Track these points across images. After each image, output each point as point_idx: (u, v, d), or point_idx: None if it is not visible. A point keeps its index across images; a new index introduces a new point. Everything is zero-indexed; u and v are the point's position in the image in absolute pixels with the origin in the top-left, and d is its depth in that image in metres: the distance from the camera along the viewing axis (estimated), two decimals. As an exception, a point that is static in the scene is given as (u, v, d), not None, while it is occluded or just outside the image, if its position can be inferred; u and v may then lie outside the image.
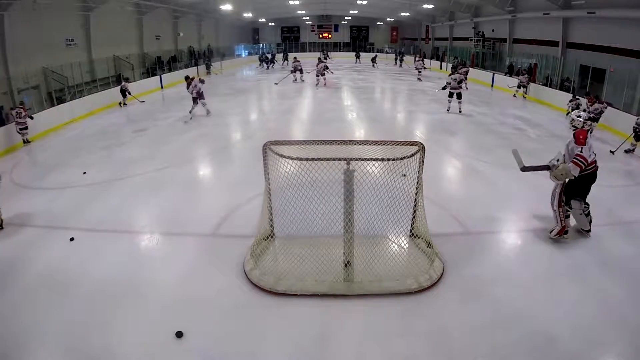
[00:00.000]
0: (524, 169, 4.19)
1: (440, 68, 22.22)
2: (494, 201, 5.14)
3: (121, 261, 3.84)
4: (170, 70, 18.64)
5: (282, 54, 27.42)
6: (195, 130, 9.11)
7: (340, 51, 32.87)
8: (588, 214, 4.24)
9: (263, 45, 33.20)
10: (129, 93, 12.55)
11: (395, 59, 25.90)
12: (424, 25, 28.94)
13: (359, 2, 23.11)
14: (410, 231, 3.90)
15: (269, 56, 25.83)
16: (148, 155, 7.21)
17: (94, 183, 5.88)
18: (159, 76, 16.69)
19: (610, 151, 7.47)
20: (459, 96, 10.38)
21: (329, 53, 29.86)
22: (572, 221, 4.31)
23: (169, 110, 11.62)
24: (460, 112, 10.31)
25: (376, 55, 26.50)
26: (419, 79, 17.96)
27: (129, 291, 3.37)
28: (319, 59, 17.75)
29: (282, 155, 3.28)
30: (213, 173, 6.68)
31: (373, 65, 24.43)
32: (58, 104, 9.88)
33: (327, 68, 15.94)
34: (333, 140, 3.70)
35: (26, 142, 8.26)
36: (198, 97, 10.32)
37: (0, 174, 4.94)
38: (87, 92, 12.20)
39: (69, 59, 12.25)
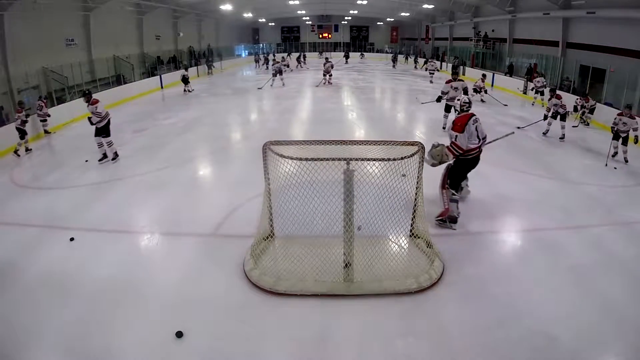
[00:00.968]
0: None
1: (440, 68, 22.21)
2: (494, 201, 5.14)
3: (121, 261, 3.84)
4: (172, 69, 18.64)
5: (282, 55, 26.97)
6: (195, 130, 9.11)
7: (340, 51, 32.89)
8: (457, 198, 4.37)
9: (263, 45, 33.22)
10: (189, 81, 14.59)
11: (394, 60, 25.63)
12: (424, 25, 28.96)
13: (359, 2, 23.13)
14: (410, 231, 3.89)
15: (263, 57, 25.38)
16: (148, 155, 7.21)
17: (94, 183, 5.88)
18: (159, 76, 16.68)
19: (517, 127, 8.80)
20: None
21: (329, 53, 29.80)
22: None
23: (169, 110, 11.63)
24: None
25: (396, 55, 25.82)
26: (430, 81, 16.88)
27: (129, 291, 3.37)
28: (327, 59, 17.60)
29: (282, 155, 3.27)
30: (213, 173, 6.68)
31: (394, 66, 24.18)
32: (58, 104, 9.88)
33: (333, 67, 16.04)
34: (333, 140, 3.70)
35: (47, 132, 9.01)
36: None
37: None
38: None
39: (69, 59, 12.25)
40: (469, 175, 4.74)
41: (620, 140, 6.78)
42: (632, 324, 2.96)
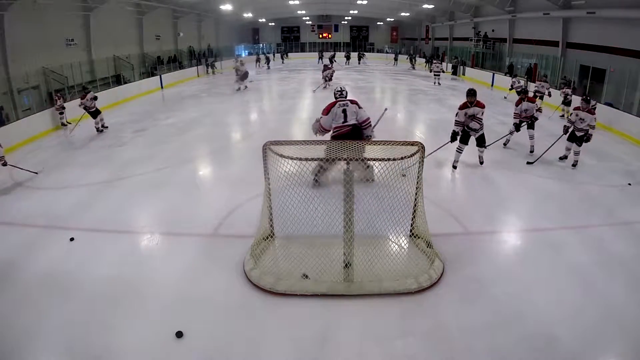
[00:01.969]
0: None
1: (445, 70, 22.17)
2: (494, 201, 5.14)
3: (121, 261, 3.84)
4: (170, 69, 18.64)
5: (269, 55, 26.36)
6: (195, 130, 9.11)
7: (340, 51, 32.87)
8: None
9: (263, 45, 33.23)
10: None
11: (396, 59, 25.60)
12: (424, 25, 28.96)
13: (359, 2, 23.14)
14: (410, 231, 3.89)
15: (264, 57, 25.19)
16: (148, 155, 7.21)
17: (94, 183, 5.88)
18: (159, 76, 16.69)
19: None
20: (481, 142, 6.16)
21: (329, 53, 29.73)
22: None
23: (169, 110, 11.63)
24: (481, 163, 6.37)
25: (414, 56, 25.05)
26: (438, 83, 16.08)
27: (129, 291, 3.37)
28: (326, 65, 15.89)
29: (282, 155, 3.27)
30: (213, 173, 6.68)
31: (413, 67, 23.65)
32: (53, 105, 9.87)
33: (333, 74, 14.72)
34: (333, 141, 3.71)
35: (64, 124, 9.49)
36: None
37: None
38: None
39: (69, 59, 12.26)
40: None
41: (574, 142, 6.19)
42: (633, 324, 2.96)
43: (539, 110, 6.95)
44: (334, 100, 5.19)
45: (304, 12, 29.07)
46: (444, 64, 22.06)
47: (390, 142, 3.54)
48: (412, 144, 3.47)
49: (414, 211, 3.81)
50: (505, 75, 15.99)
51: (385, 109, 6.50)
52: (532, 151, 6.98)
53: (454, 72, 19.90)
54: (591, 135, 6.25)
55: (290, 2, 22.69)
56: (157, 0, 16.95)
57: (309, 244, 3.65)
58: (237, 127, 9.90)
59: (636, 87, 9.46)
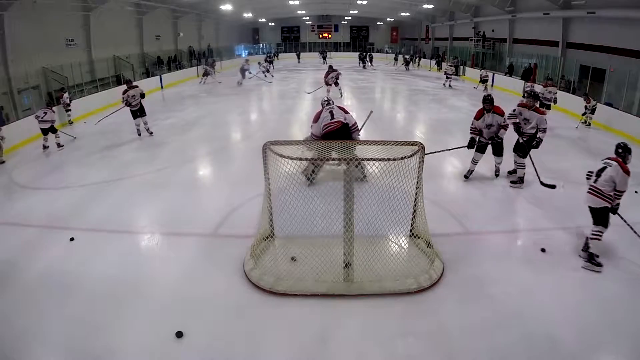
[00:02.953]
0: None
1: (439, 68, 22.16)
2: (494, 201, 5.14)
3: (121, 261, 3.84)
4: (169, 70, 18.64)
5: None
6: (195, 130, 9.11)
7: (340, 51, 32.92)
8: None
9: (263, 45, 33.23)
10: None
11: (396, 59, 25.54)
12: (424, 25, 28.95)
13: (359, 2, 23.11)
14: (410, 231, 3.89)
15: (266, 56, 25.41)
16: (148, 155, 7.21)
17: (94, 183, 5.88)
18: (159, 76, 16.69)
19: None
20: (498, 150, 5.57)
21: (328, 53, 29.73)
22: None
23: (169, 110, 11.62)
24: (496, 175, 5.86)
25: (397, 55, 25.02)
26: (449, 85, 15.13)
27: (129, 291, 3.37)
28: (331, 67, 13.19)
29: (282, 155, 3.27)
30: (213, 173, 6.68)
31: (394, 64, 23.73)
32: (58, 104, 9.89)
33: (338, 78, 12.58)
34: (333, 141, 3.71)
35: (70, 122, 9.87)
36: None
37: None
38: (87, 92, 12.21)
39: (69, 59, 12.26)
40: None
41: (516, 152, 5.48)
42: (633, 325, 2.96)
43: (504, 127, 5.36)
44: (321, 109, 5.49)
45: (304, 12, 29.07)
46: (442, 63, 22.08)
47: (390, 142, 3.54)
48: (412, 144, 3.47)
49: (414, 211, 3.81)
50: (505, 75, 16.00)
51: (371, 112, 6.88)
52: (497, 174, 5.84)
53: (455, 72, 19.88)
54: (541, 140, 5.25)
55: (290, 2, 22.68)
56: (157, 0, 16.94)
57: (309, 244, 3.64)
58: (237, 127, 9.90)
59: (636, 87, 9.46)
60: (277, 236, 3.93)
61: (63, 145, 7.90)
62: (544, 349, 2.74)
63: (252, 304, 3.21)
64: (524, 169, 5.49)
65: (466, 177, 5.81)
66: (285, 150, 3.36)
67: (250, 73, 16.98)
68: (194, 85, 17.14)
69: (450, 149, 6.01)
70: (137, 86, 8.38)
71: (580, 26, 13.25)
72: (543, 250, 3.95)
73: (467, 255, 3.84)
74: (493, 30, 19.26)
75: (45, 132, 7.69)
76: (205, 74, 17.32)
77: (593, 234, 3.72)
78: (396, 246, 3.94)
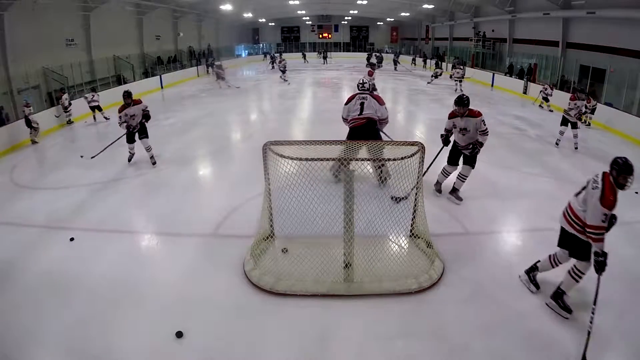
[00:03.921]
0: None
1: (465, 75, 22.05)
2: (494, 201, 5.14)
3: (121, 261, 3.84)
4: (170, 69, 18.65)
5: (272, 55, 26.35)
6: (195, 130, 9.11)
7: (341, 51, 32.96)
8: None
9: (263, 45, 33.25)
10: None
11: (396, 62, 25.47)
12: (424, 25, 28.96)
13: (359, 2, 23.12)
14: (410, 231, 3.89)
15: (269, 56, 25.59)
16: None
17: (94, 183, 5.88)
18: (159, 76, 16.69)
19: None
20: (470, 161, 4.83)
21: (328, 53, 29.71)
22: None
23: (169, 110, 11.62)
24: (454, 190, 5.04)
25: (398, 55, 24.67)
26: (460, 89, 13.85)
27: (129, 291, 3.37)
28: (373, 65, 11.96)
29: (282, 156, 3.27)
30: (213, 173, 6.68)
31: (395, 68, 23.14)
32: (58, 104, 9.89)
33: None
34: (333, 140, 3.71)
35: (69, 122, 9.95)
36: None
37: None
38: (87, 92, 12.19)
39: (69, 59, 12.25)
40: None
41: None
42: (632, 324, 2.96)
43: (483, 133, 4.53)
44: (356, 92, 5.33)
45: (304, 12, 29.07)
46: (442, 63, 22.01)
47: (390, 142, 3.54)
48: (412, 144, 3.47)
49: (414, 211, 3.81)
50: (505, 75, 16.00)
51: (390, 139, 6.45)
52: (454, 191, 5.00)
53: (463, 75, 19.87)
54: (481, 144, 4.62)
55: (290, 2, 22.69)
56: (157, 0, 16.94)
57: (309, 244, 3.65)
58: (237, 127, 9.89)
59: (636, 87, 9.47)
60: (277, 236, 3.94)
61: (109, 118, 10.19)
62: (544, 349, 2.74)
63: (252, 304, 3.21)
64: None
65: (438, 191, 5.10)
66: (285, 150, 3.36)
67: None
68: (194, 85, 17.14)
69: (432, 160, 5.02)
70: (139, 101, 6.40)
71: (580, 26, 13.26)
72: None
73: (467, 255, 3.84)
74: (493, 30, 19.27)
75: (93, 109, 10.24)
76: (219, 77, 16.04)
77: (572, 271, 2.98)
78: (396, 246, 3.94)
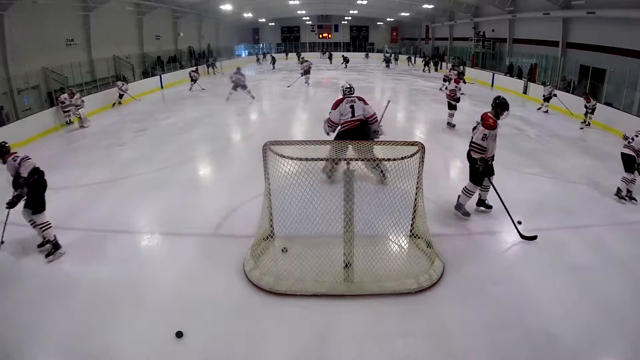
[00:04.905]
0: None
1: (437, 69, 22.16)
2: (494, 201, 5.13)
3: (121, 261, 3.84)
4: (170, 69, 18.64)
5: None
6: (195, 130, 9.11)
7: (341, 51, 32.93)
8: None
9: (263, 45, 33.26)
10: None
11: (394, 60, 25.56)
12: (424, 25, 28.97)
13: (359, 2, 23.14)
14: (410, 231, 3.89)
15: (270, 56, 25.67)
16: (148, 155, 7.21)
17: (94, 183, 5.88)
18: (159, 76, 16.68)
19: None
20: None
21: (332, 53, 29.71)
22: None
23: (169, 110, 11.63)
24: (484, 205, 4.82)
25: (396, 55, 25.30)
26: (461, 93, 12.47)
27: (128, 291, 3.37)
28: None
29: (282, 156, 3.27)
30: (213, 173, 6.68)
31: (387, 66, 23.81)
32: (57, 104, 9.89)
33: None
34: (333, 141, 3.71)
35: (69, 122, 9.91)
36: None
37: None
38: (87, 92, 12.21)
39: (69, 59, 12.26)
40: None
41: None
42: (633, 324, 2.96)
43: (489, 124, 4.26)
44: (342, 96, 5.39)
45: (304, 12, 29.08)
46: (442, 63, 21.98)
47: (390, 142, 3.54)
48: (412, 144, 3.47)
49: (414, 211, 3.81)
50: (505, 75, 16.00)
51: (389, 102, 6.87)
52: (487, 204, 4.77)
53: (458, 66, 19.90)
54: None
55: (290, 2, 22.70)
56: (157, 0, 16.94)
57: (309, 244, 3.64)
58: (237, 127, 9.89)
59: (636, 87, 9.47)
60: (277, 236, 3.93)
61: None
62: (545, 349, 2.74)
63: (252, 304, 3.21)
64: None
65: (467, 215, 4.63)
66: (285, 150, 3.36)
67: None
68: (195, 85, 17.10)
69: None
70: (77, 100, 8.74)
71: (580, 26, 13.26)
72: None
73: (467, 255, 3.84)
74: (493, 30, 19.27)
75: (120, 96, 12.36)
76: (238, 84, 12.47)
77: (464, 190, 4.44)
78: (396, 246, 3.94)
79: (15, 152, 4.15)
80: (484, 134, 4.18)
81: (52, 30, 12.01)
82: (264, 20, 31.27)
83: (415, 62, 25.58)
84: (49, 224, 3.96)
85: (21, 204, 3.97)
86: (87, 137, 8.81)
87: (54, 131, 9.37)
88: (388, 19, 31.72)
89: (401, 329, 2.95)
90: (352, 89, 5.52)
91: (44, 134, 9.01)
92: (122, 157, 7.13)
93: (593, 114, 9.22)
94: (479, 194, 4.71)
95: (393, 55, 26.38)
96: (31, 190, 3.99)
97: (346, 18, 33.14)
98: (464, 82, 9.30)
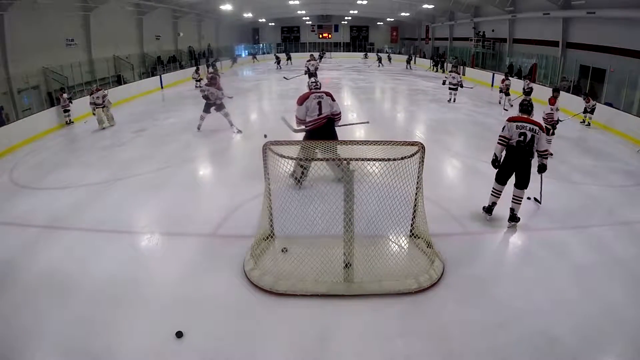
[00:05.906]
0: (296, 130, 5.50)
1: (437, 70, 22.15)
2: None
3: (121, 261, 3.83)
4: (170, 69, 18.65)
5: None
6: (196, 130, 9.10)
7: (341, 51, 32.99)
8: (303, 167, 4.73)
9: (263, 45, 33.28)
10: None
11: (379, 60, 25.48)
12: (424, 25, 28.97)
13: (359, 2, 23.14)
14: (410, 231, 3.89)
15: (275, 57, 25.76)
16: (148, 155, 7.21)
17: (94, 183, 5.88)
18: (159, 76, 16.69)
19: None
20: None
21: (328, 53, 29.73)
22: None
23: (169, 110, 11.62)
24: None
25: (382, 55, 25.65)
26: (453, 100, 11.93)
27: (129, 291, 3.37)
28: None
29: (282, 156, 3.27)
30: (213, 173, 6.68)
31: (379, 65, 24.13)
32: (58, 104, 9.90)
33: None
34: (332, 141, 3.71)
35: (69, 122, 9.81)
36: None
37: None
38: (87, 92, 12.21)
39: (69, 59, 12.26)
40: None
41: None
42: (633, 324, 2.96)
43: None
44: (309, 91, 5.22)
45: (304, 12, 29.09)
46: (443, 63, 21.94)
47: (390, 142, 3.54)
48: (412, 144, 3.47)
49: (414, 211, 3.81)
50: (505, 74, 15.98)
51: (367, 122, 7.05)
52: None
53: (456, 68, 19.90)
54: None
55: (290, 2, 22.70)
56: (157, 0, 16.95)
57: (309, 244, 3.64)
58: (237, 126, 9.86)
59: (636, 87, 9.47)
60: (277, 236, 3.93)
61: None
62: (544, 349, 2.74)
63: (252, 304, 3.21)
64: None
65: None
66: (285, 150, 3.36)
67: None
68: (194, 85, 17.11)
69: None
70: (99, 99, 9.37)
71: (580, 26, 13.26)
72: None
73: (467, 255, 3.84)
74: (493, 30, 19.27)
75: (67, 112, 10.04)
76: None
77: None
78: (396, 246, 3.94)
79: None
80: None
81: (52, 30, 12.02)
82: (264, 20, 31.28)
83: (415, 63, 25.43)
84: None
85: None
86: (87, 137, 8.81)
87: (54, 131, 9.37)
88: (388, 19, 31.74)
89: (401, 329, 2.94)
90: (318, 84, 5.35)
91: (44, 134, 9.01)
92: (122, 157, 7.12)
93: (592, 114, 9.22)
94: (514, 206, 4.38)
95: (385, 54, 26.95)
96: None
97: (346, 18, 33.16)
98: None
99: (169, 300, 3.26)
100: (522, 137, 4.19)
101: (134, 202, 5.20)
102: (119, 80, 14.69)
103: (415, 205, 3.78)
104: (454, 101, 11.96)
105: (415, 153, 3.39)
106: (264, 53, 31.25)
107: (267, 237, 3.93)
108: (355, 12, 29.28)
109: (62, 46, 12.72)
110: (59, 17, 12.29)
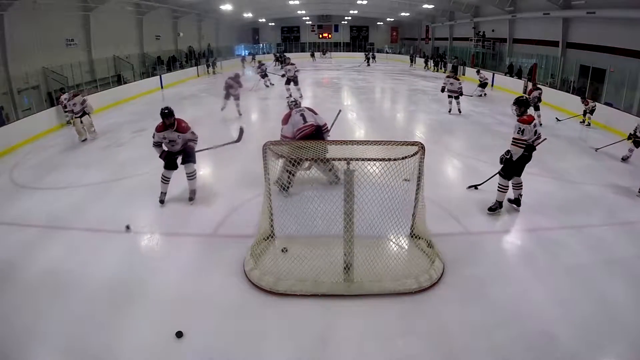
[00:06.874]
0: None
1: (437, 70, 22.15)
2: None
3: (121, 261, 3.84)
4: (170, 70, 18.65)
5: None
6: (195, 130, 9.07)
7: (341, 51, 32.99)
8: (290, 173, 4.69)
9: (263, 45, 33.28)
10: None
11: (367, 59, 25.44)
12: (424, 25, 28.98)
13: (359, 2, 23.16)
14: (411, 231, 3.89)
15: (274, 56, 25.82)
16: (148, 155, 7.18)
17: (93, 183, 5.88)
18: (159, 76, 16.69)
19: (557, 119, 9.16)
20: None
21: (328, 53, 29.74)
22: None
23: (169, 110, 11.59)
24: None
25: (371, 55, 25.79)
26: (458, 110, 10.41)
27: (128, 291, 3.37)
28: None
29: (282, 156, 3.28)
30: (213, 173, 6.67)
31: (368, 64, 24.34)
32: (58, 104, 9.89)
33: None
34: (333, 140, 3.71)
35: (69, 122, 9.24)
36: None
37: None
38: (87, 92, 12.21)
39: (69, 59, 12.26)
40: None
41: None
42: (632, 324, 2.96)
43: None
44: (289, 110, 5.41)
45: (304, 12, 29.10)
46: (443, 63, 21.92)
47: (390, 142, 3.54)
48: (412, 144, 3.47)
49: (414, 211, 3.81)
50: (505, 75, 15.99)
51: (339, 111, 6.99)
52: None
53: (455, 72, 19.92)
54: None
55: (290, 2, 22.71)
56: (157, 0, 16.95)
57: (309, 244, 3.64)
58: (237, 127, 9.85)
59: (636, 87, 9.47)
60: (277, 236, 3.93)
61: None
62: (544, 348, 2.74)
63: (252, 304, 3.21)
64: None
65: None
66: (285, 150, 3.36)
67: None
68: (194, 85, 17.13)
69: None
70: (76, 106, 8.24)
71: (580, 26, 13.26)
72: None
73: (467, 255, 3.85)
74: (493, 30, 19.28)
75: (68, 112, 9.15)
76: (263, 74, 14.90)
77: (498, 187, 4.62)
78: (396, 246, 3.94)
79: None
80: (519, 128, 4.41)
81: (52, 30, 12.02)
82: (264, 20, 31.28)
83: (415, 62, 25.43)
84: None
85: None
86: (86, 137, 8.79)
87: (54, 131, 9.36)
88: (388, 19, 31.75)
89: (401, 329, 2.95)
90: (297, 102, 5.64)
91: (44, 134, 9.00)
92: (121, 157, 7.12)
93: (592, 114, 9.22)
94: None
95: (372, 54, 27.22)
96: None
97: (346, 18, 33.16)
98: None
99: (169, 300, 3.26)
100: (535, 134, 4.50)
101: (134, 202, 5.20)
102: (119, 80, 14.69)
103: (415, 206, 3.78)
104: (460, 112, 10.36)
105: (415, 153, 3.39)
106: (264, 53, 31.24)
107: (267, 237, 3.93)
108: (355, 12, 29.29)
109: (62, 46, 12.72)
110: (59, 17, 12.29)
